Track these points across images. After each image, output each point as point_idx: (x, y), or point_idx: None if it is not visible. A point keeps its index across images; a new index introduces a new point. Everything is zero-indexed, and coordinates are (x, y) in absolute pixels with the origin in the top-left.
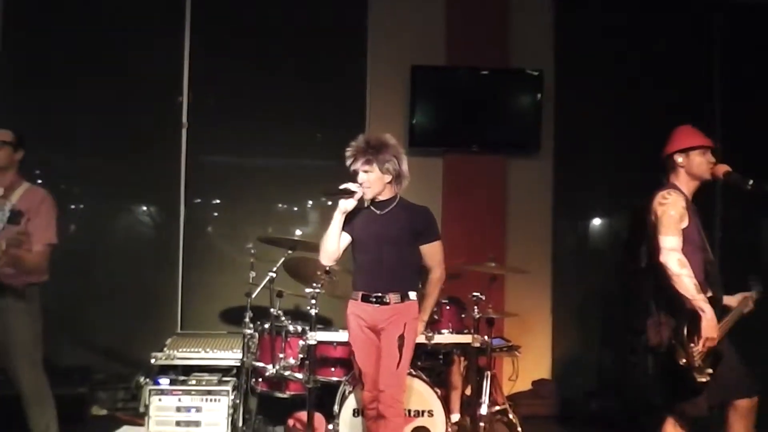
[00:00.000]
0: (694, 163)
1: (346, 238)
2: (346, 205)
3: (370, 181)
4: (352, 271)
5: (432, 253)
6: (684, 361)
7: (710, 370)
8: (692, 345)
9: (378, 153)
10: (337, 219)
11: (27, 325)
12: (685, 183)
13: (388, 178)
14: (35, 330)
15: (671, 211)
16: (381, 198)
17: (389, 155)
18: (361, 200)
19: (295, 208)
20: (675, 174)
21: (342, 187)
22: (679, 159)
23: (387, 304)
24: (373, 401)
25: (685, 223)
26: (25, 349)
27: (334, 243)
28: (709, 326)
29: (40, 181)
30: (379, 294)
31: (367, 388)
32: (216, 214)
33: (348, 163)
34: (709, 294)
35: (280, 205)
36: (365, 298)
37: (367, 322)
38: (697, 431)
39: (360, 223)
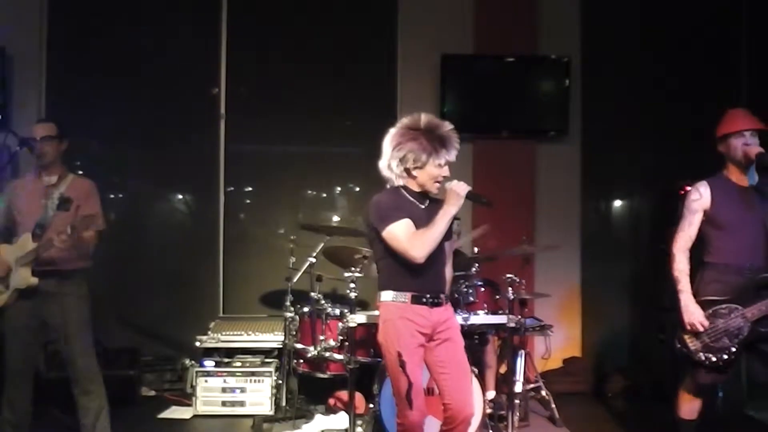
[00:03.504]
0: (730, 148)
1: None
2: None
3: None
4: (386, 270)
5: (452, 249)
6: (679, 346)
7: (733, 349)
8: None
9: (456, 143)
10: (449, 220)
11: (78, 308)
12: (729, 167)
13: None
14: (86, 313)
15: (684, 209)
16: (422, 189)
17: None
18: (398, 190)
19: (326, 195)
20: (724, 159)
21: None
22: (720, 146)
23: (440, 305)
24: (422, 420)
25: (699, 212)
26: (78, 332)
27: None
28: (685, 312)
29: (81, 172)
30: (430, 295)
31: (417, 407)
32: (254, 201)
33: (442, 154)
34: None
35: (312, 192)
36: (417, 300)
37: (423, 327)
38: None
39: (408, 215)
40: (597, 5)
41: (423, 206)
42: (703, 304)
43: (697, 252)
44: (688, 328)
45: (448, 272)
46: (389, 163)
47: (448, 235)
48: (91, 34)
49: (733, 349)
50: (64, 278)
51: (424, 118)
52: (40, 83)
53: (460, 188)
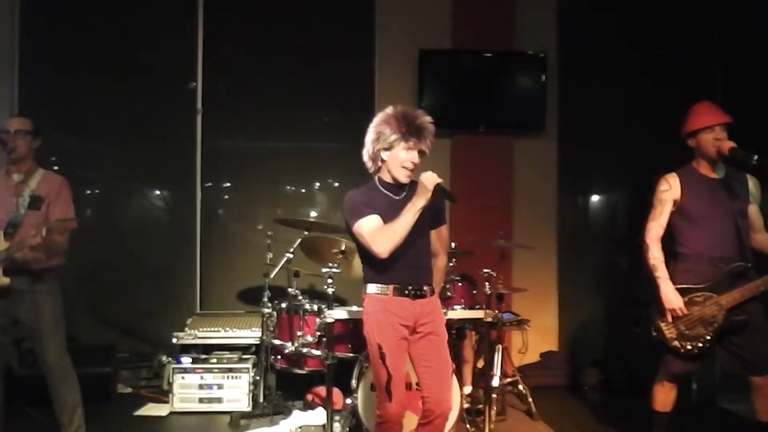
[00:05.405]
0: (701, 143)
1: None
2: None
3: (416, 166)
4: (369, 263)
5: (443, 236)
6: (655, 334)
7: (708, 337)
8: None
9: (430, 134)
10: (416, 213)
11: (50, 307)
12: (699, 162)
13: None
14: (58, 312)
15: (654, 199)
16: (393, 179)
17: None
18: (374, 184)
19: (304, 190)
20: (694, 153)
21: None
22: (689, 141)
23: (424, 297)
24: (402, 412)
25: (669, 202)
26: (50, 330)
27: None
28: (665, 299)
29: (56, 168)
30: (412, 287)
31: (397, 399)
32: (231, 196)
33: (412, 140)
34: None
35: (290, 187)
36: (399, 292)
37: (405, 319)
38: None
39: (381, 209)
40: (573, 1)
41: (398, 198)
42: (678, 293)
43: (666, 243)
44: (669, 315)
45: (442, 261)
46: (367, 148)
47: (436, 223)
48: (66, 27)
49: (708, 338)
50: (36, 277)
51: (402, 107)
52: (12, 76)
53: (428, 180)
